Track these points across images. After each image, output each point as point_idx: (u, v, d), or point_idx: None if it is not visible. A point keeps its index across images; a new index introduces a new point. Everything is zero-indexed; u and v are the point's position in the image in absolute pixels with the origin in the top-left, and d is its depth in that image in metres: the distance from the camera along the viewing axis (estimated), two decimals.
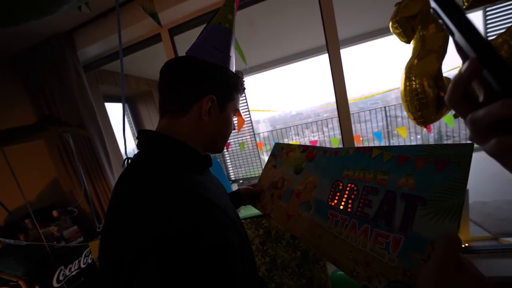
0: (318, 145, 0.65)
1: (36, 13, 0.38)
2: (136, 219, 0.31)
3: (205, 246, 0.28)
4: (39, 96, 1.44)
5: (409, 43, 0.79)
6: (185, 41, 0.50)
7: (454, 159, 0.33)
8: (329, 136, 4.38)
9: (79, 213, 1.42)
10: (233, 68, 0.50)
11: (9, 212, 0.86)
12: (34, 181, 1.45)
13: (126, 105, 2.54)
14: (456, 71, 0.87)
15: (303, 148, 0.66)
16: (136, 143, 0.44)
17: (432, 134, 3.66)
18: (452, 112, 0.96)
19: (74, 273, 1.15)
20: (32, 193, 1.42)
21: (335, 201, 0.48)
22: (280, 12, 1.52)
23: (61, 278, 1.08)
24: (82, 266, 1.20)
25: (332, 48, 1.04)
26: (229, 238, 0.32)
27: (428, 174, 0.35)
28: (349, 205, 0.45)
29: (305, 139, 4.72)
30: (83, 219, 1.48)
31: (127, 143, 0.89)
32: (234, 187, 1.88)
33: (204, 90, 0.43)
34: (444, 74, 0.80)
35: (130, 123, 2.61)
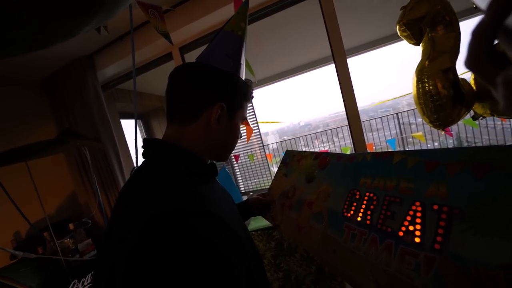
0: None
1: (62, 36, 0.42)
2: (126, 230, 0.31)
3: (195, 260, 0.27)
4: (62, 114, 1.55)
5: (419, 45, 0.78)
6: (195, 58, 0.51)
7: (499, 164, 0.28)
8: (339, 146, 4.27)
9: (93, 225, 1.45)
10: (243, 77, 0.50)
11: (31, 225, 0.89)
12: (53, 194, 1.52)
13: (140, 121, 2.66)
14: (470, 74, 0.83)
15: (316, 155, 0.63)
16: (142, 152, 0.43)
17: (452, 140, 3.44)
18: (471, 114, 0.91)
19: (86, 287, 1.15)
20: (51, 206, 1.47)
21: (351, 212, 0.44)
22: (285, 24, 1.57)
23: None
24: None
25: (338, 56, 1.05)
26: (217, 250, 0.29)
27: (465, 181, 0.30)
28: (368, 217, 0.40)
29: (315, 150, 4.64)
30: (97, 232, 1.50)
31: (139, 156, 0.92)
32: (245, 199, 1.85)
33: (215, 97, 0.42)
34: (460, 76, 0.77)
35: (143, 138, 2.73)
